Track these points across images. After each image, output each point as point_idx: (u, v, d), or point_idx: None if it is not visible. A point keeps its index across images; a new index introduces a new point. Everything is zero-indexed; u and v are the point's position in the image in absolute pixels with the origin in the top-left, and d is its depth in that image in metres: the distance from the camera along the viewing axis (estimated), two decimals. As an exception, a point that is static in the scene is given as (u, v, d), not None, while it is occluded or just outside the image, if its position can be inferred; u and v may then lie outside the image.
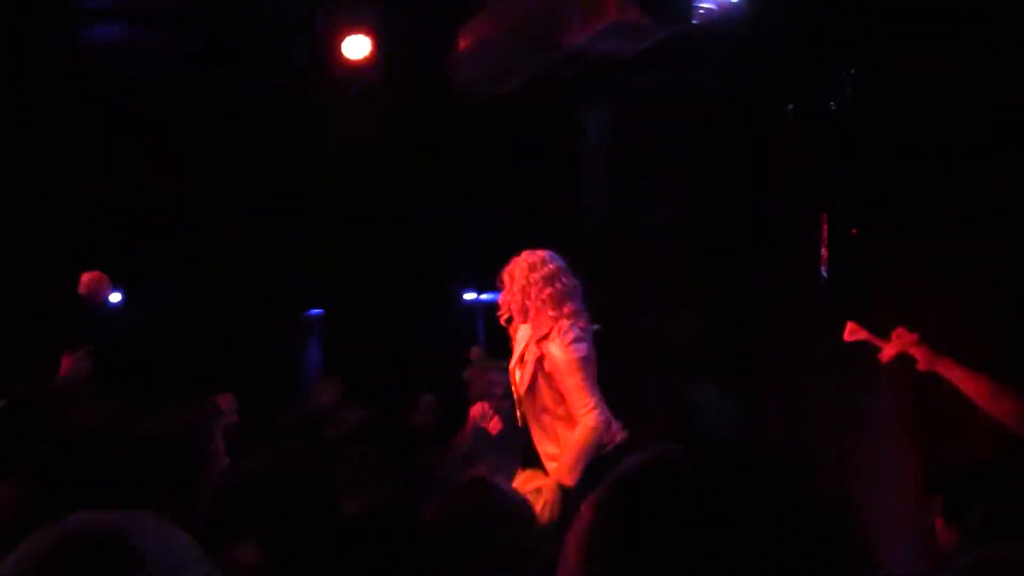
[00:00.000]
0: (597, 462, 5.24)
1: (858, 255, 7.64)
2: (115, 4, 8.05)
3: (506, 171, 10.24)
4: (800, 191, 8.19)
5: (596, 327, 5.57)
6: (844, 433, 7.69)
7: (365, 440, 7.06)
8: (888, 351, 4.89)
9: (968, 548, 3.59)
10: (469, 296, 11.99)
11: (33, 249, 9.39)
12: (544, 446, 5.50)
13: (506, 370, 5.87)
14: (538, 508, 4.84)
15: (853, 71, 7.60)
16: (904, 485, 6.95)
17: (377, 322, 11.10)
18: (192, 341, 10.54)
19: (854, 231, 7.68)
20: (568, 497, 5.09)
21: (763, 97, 8.33)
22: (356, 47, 7.85)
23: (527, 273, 5.51)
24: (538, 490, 5.24)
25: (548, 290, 5.45)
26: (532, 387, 5.52)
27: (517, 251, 5.69)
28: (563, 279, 5.50)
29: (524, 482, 5.36)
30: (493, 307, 5.87)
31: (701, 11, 5.83)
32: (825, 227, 7.85)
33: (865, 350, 5.12)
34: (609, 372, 5.62)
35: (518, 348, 5.68)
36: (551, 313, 5.45)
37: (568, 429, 5.36)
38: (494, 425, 6.59)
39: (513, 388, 5.77)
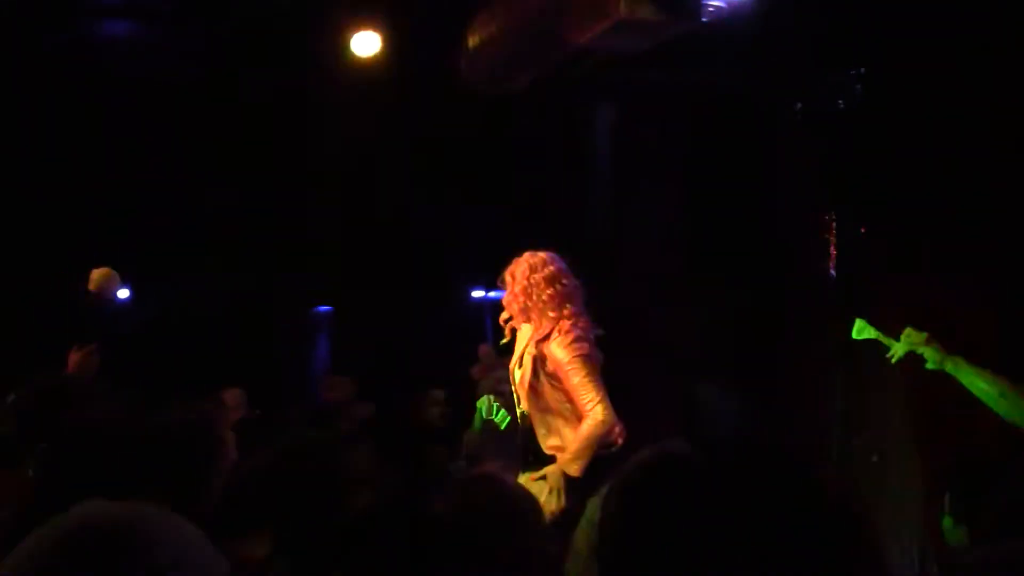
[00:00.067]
0: (600, 462, 5.26)
1: (866, 254, 7.63)
2: (122, 2, 8.07)
3: (514, 169, 10.24)
4: (808, 190, 8.18)
5: (599, 331, 5.60)
6: (851, 432, 7.68)
7: (373, 435, 7.08)
8: (897, 350, 4.89)
9: (976, 546, 3.59)
10: (477, 294, 12.00)
11: (42, 246, 9.41)
12: (548, 442, 5.52)
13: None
14: (543, 497, 4.87)
15: (861, 70, 7.59)
16: (910, 484, 6.95)
17: (385, 319, 11.11)
18: (200, 337, 10.55)
19: (863, 230, 7.68)
20: (572, 495, 5.11)
21: (771, 96, 8.32)
22: (365, 44, 7.85)
23: (528, 274, 5.54)
24: (543, 477, 5.28)
25: (549, 291, 5.48)
26: (534, 387, 5.55)
27: (523, 250, 5.72)
28: (564, 281, 5.53)
29: (524, 483, 5.37)
30: (501, 305, 5.88)
31: (710, 9, 5.83)
32: (833, 226, 7.85)
33: (874, 349, 5.12)
34: (612, 373, 5.62)
35: (519, 348, 5.71)
36: (551, 314, 5.48)
37: (572, 427, 5.39)
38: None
39: (513, 388, 5.79)
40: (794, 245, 8.38)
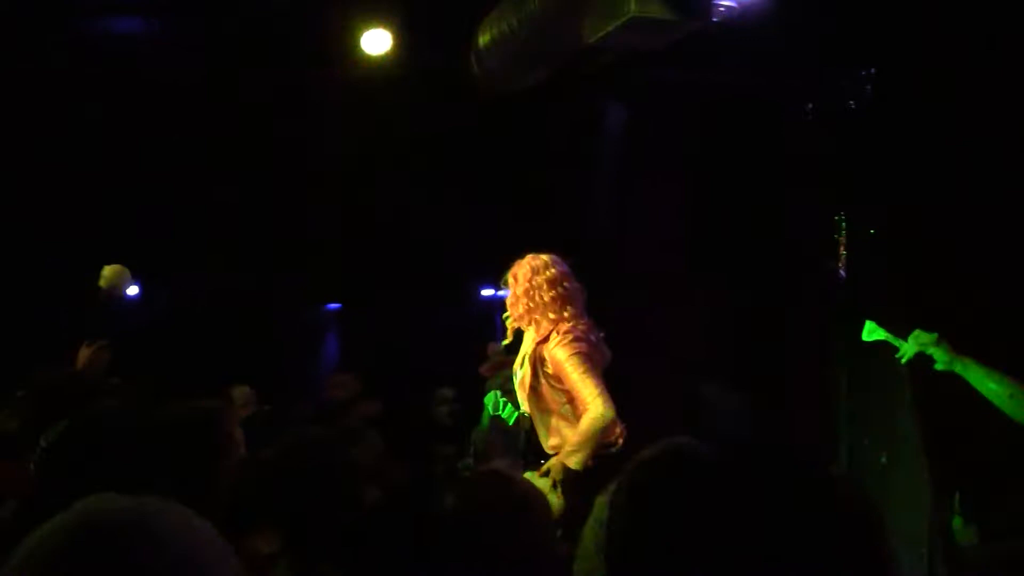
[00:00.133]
0: (603, 462, 5.31)
1: (876, 254, 7.62)
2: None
3: (523, 168, 10.24)
4: (818, 190, 8.17)
5: (601, 333, 5.63)
6: (859, 432, 7.67)
7: (382, 433, 7.09)
8: (906, 351, 4.88)
9: (984, 544, 3.60)
10: (487, 292, 12.00)
11: (53, 243, 9.43)
12: (549, 443, 5.58)
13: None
14: (545, 490, 4.89)
15: (872, 70, 7.58)
16: (918, 484, 6.94)
17: (395, 317, 11.12)
18: (209, 334, 10.57)
19: (872, 231, 7.67)
20: (576, 494, 5.12)
21: (782, 96, 8.31)
22: (376, 42, 7.86)
23: (530, 276, 5.61)
24: (546, 472, 5.30)
25: (551, 294, 5.55)
26: (535, 388, 5.62)
27: (531, 249, 5.76)
28: (565, 283, 5.59)
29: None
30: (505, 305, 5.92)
31: (721, 8, 5.83)
32: (843, 226, 7.84)
33: (881, 349, 5.11)
34: (618, 372, 5.65)
35: (523, 349, 5.75)
36: (551, 316, 5.55)
37: (572, 428, 5.43)
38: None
39: (516, 388, 5.84)
40: (803, 245, 8.36)
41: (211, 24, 8.08)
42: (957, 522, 3.92)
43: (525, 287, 5.61)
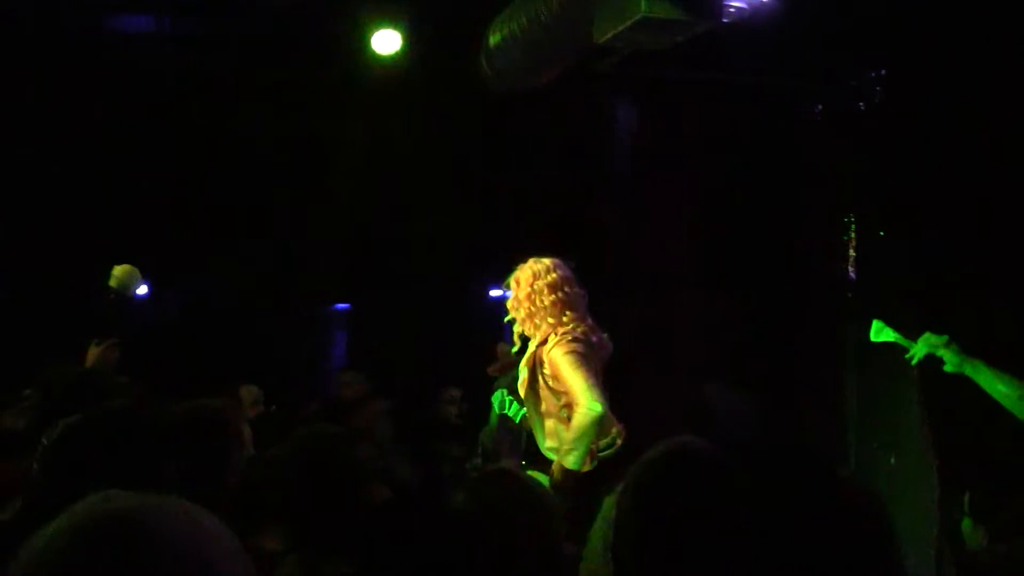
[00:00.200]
0: (603, 462, 5.36)
1: (885, 256, 7.61)
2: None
3: (533, 168, 10.24)
4: (828, 191, 8.16)
5: (604, 335, 5.65)
6: (867, 434, 7.67)
7: (390, 431, 7.10)
8: (916, 352, 4.87)
9: (995, 547, 3.58)
10: (495, 292, 11.99)
11: (63, 242, 9.44)
12: (546, 444, 5.61)
13: None
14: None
15: (882, 72, 7.57)
16: (926, 486, 6.93)
17: (403, 317, 11.11)
18: (218, 334, 10.58)
19: (882, 232, 7.66)
20: (577, 495, 5.13)
21: (791, 97, 8.30)
22: (386, 42, 7.86)
23: (531, 281, 5.65)
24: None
25: (551, 298, 5.57)
26: (533, 390, 5.66)
27: (540, 249, 5.79)
28: (566, 288, 5.61)
29: None
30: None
31: (732, 9, 5.82)
32: (852, 228, 7.83)
33: (890, 351, 5.10)
34: (626, 373, 5.66)
35: (527, 352, 5.79)
36: (551, 320, 5.58)
37: (569, 430, 5.44)
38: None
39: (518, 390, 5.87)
40: (812, 246, 8.35)
41: (220, 23, 8.09)
42: (966, 524, 3.91)
43: (527, 291, 5.65)
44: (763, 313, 8.73)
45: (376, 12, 7.85)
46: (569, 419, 5.41)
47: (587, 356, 5.46)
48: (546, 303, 5.57)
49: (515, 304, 5.74)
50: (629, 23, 5.55)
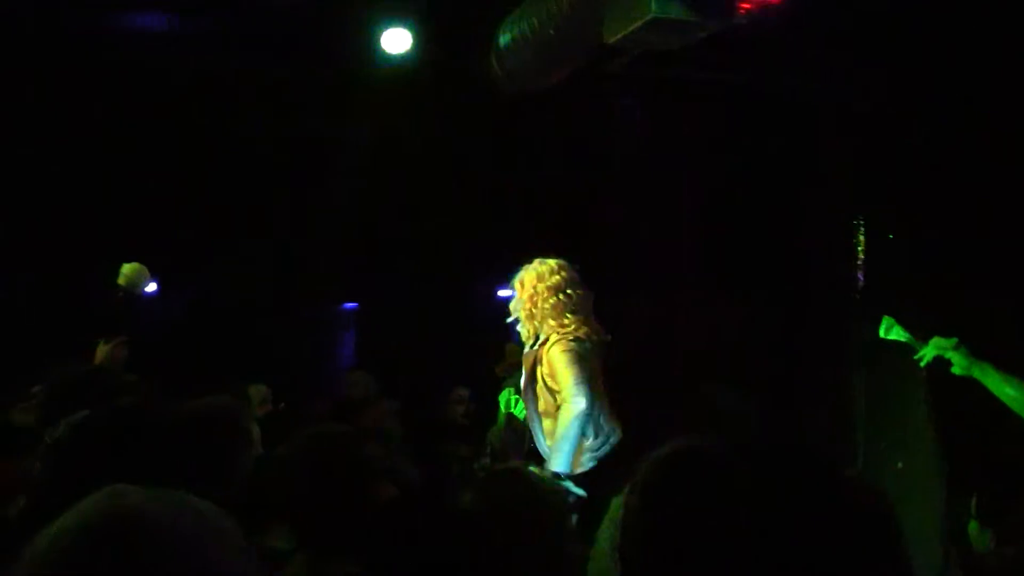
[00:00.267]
0: (603, 460, 5.42)
1: (894, 259, 7.60)
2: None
3: (542, 169, 10.23)
4: (836, 193, 8.15)
5: (606, 337, 5.65)
6: (875, 436, 7.65)
7: (398, 430, 7.11)
8: (925, 353, 4.87)
9: (1002, 549, 3.58)
10: (504, 292, 11.99)
11: (72, 240, 9.46)
12: (545, 444, 5.62)
13: None
14: None
15: (891, 74, 7.55)
16: (933, 488, 6.92)
17: (411, 316, 11.12)
18: (226, 333, 10.59)
19: (890, 235, 7.65)
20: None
21: (801, 98, 8.28)
22: (396, 41, 7.87)
23: (535, 282, 5.69)
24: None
25: (553, 299, 5.61)
26: (532, 390, 5.70)
27: (547, 250, 5.81)
28: (569, 290, 5.64)
29: None
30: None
31: (742, 10, 5.81)
32: (861, 230, 7.81)
33: (897, 353, 5.10)
34: (632, 375, 5.68)
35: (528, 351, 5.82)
36: (552, 322, 5.61)
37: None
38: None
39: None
40: (821, 248, 8.34)
41: (229, 22, 8.09)
42: (973, 526, 3.90)
43: (529, 292, 5.70)
44: (771, 316, 8.72)
45: (386, 12, 7.85)
46: None
47: (584, 356, 5.48)
48: (548, 305, 5.60)
49: (518, 304, 5.77)
50: (639, 24, 5.55)
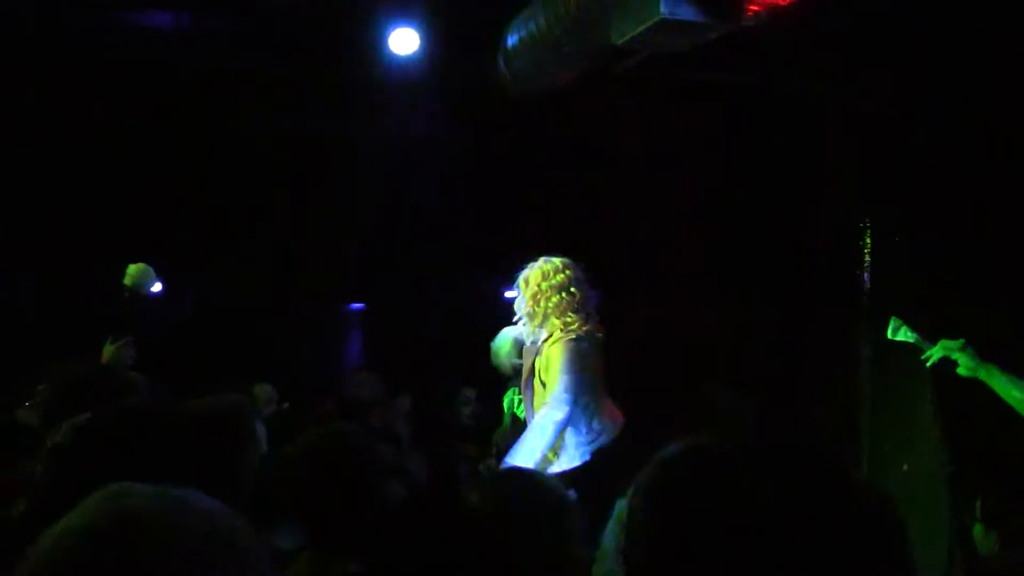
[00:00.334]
0: (598, 452, 5.48)
1: (901, 261, 7.59)
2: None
3: (549, 169, 10.24)
4: (843, 195, 8.14)
5: (600, 336, 5.66)
6: (881, 438, 7.65)
7: (406, 429, 7.12)
8: (932, 354, 4.86)
9: (1007, 553, 3.57)
10: (510, 293, 11.98)
11: (73, 240, 9.47)
12: None
13: None
14: None
15: (898, 74, 7.54)
16: (938, 490, 6.92)
17: (418, 316, 11.13)
18: (233, 333, 10.59)
19: (897, 237, 7.64)
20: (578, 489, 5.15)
21: (806, 99, 8.27)
22: (403, 41, 7.87)
23: (539, 280, 5.71)
24: None
25: (555, 299, 5.63)
26: (532, 388, 5.76)
27: (552, 250, 5.83)
28: (572, 289, 5.65)
29: None
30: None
31: (751, 11, 5.80)
32: (869, 232, 7.81)
33: (903, 355, 5.09)
34: (637, 375, 5.68)
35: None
36: (554, 321, 5.64)
37: (567, 428, 5.45)
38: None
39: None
40: (827, 250, 8.33)
41: (237, 22, 8.10)
42: (978, 529, 3.90)
43: (533, 291, 5.73)
44: (776, 317, 8.72)
45: (394, 12, 7.86)
46: None
47: (586, 354, 5.49)
48: (550, 304, 5.63)
49: (521, 302, 5.78)
50: (648, 25, 5.54)
